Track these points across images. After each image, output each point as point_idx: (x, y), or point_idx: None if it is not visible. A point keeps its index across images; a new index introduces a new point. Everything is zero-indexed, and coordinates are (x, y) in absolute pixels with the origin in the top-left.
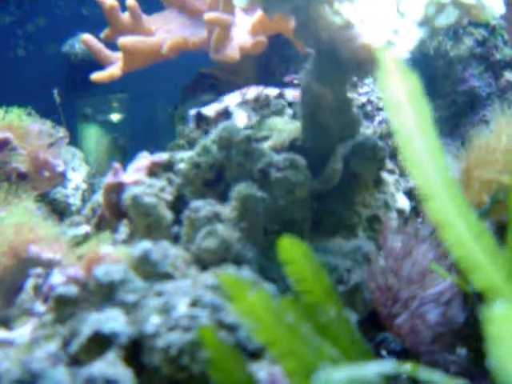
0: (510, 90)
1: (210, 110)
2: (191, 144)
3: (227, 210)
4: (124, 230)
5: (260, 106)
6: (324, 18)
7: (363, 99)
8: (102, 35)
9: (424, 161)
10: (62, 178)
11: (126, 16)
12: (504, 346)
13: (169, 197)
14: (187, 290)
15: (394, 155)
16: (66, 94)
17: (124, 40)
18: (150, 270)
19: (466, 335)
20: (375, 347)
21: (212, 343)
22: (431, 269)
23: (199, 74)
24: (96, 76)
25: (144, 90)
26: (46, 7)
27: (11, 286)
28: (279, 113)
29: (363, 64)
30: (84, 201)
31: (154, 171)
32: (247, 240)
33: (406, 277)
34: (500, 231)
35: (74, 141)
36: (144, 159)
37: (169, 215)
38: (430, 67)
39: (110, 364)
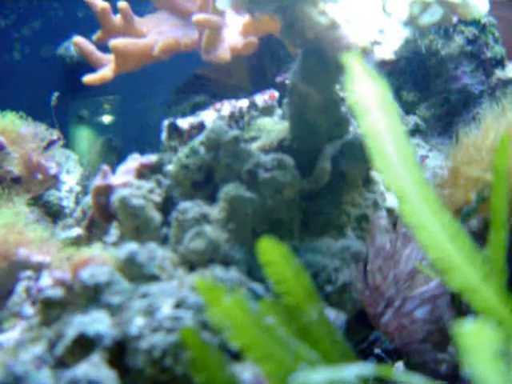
0: (500, 87)
1: (184, 123)
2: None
3: (215, 211)
4: (114, 232)
5: (235, 121)
6: (310, 17)
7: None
8: (94, 37)
9: (395, 164)
10: (55, 181)
11: (117, 18)
12: (476, 358)
13: (157, 198)
14: (172, 291)
15: None
16: (62, 96)
17: (115, 42)
18: (136, 272)
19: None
20: (368, 346)
21: (194, 344)
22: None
23: (193, 75)
24: (88, 78)
25: (138, 91)
26: (42, 10)
27: (1, 289)
28: (269, 113)
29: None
30: (78, 203)
31: (142, 173)
32: (235, 241)
33: (393, 276)
34: (487, 229)
35: (69, 143)
36: (133, 161)
37: (157, 217)
38: (423, 66)
39: (94, 366)
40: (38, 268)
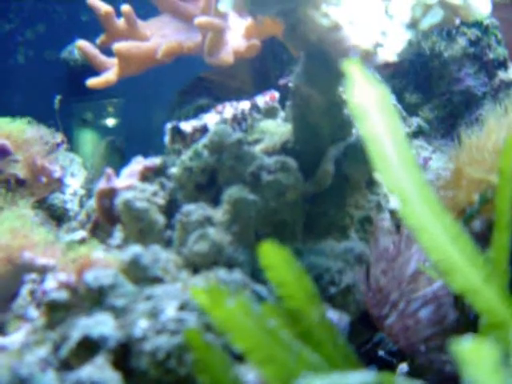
0: (503, 89)
1: (187, 126)
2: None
3: (219, 214)
4: (118, 235)
5: (238, 124)
6: (312, 20)
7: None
8: (97, 41)
9: (396, 167)
10: (59, 184)
11: (121, 22)
12: (475, 373)
13: (161, 201)
14: (176, 293)
15: None
16: (66, 99)
17: (119, 46)
18: (140, 275)
19: (459, 334)
20: (372, 348)
21: (198, 346)
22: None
23: (197, 78)
24: (92, 82)
25: (142, 94)
26: (45, 14)
27: (6, 292)
28: (272, 115)
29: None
30: (82, 206)
31: (146, 176)
32: (239, 243)
33: (397, 278)
34: (490, 230)
35: (73, 146)
36: (137, 164)
37: (161, 219)
38: (426, 68)
39: (99, 368)
40: (43, 271)
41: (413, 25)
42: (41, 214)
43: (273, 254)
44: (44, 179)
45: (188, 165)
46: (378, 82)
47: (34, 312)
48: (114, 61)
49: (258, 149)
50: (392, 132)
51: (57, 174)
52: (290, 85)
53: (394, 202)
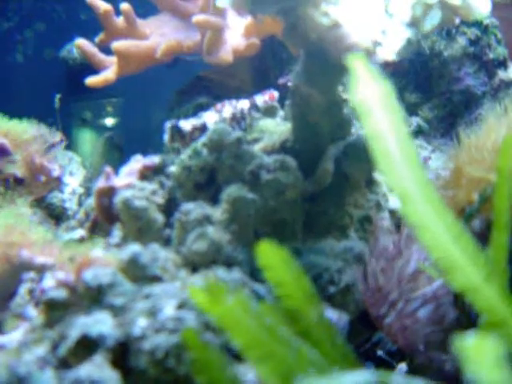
0: (503, 88)
1: (186, 124)
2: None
3: (218, 213)
4: (117, 233)
5: (237, 122)
6: (312, 19)
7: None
8: (96, 40)
9: (398, 165)
10: (57, 183)
11: (120, 20)
12: (479, 371)
13: (160, 200)
14: (175, 292)
15: None
16: (65, 98)
17: (118, 44)
18: (139, 273)
19: (458, 333)
20: (371, 347)
21: (195, 345)
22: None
23: (196, 77)
24: (90, 80)
25: (141, 93)
26: (44, 12)
27: (4, 291)
28: (271, 114)
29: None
30: (81, 205)
31: (145, 175)
32: (238, 242)
33: (396, 277)
34: (490, 229)
35: (72, 145)
36: (136, 163)
37: (160, 218)
38: (425, 67)
39: (97, 367)
40: (41, 270)
41: (413, 24)
42: (39, 212)
43: (271, 254)
44: (43, 178)
45: (187, 163)
46: (382, 78)
47: (32, 311)
48: (113, 59)
49: (257, 148)
50: (395, 129)
51: (55, 173)
52: (290, 84)
53: (393, 202)
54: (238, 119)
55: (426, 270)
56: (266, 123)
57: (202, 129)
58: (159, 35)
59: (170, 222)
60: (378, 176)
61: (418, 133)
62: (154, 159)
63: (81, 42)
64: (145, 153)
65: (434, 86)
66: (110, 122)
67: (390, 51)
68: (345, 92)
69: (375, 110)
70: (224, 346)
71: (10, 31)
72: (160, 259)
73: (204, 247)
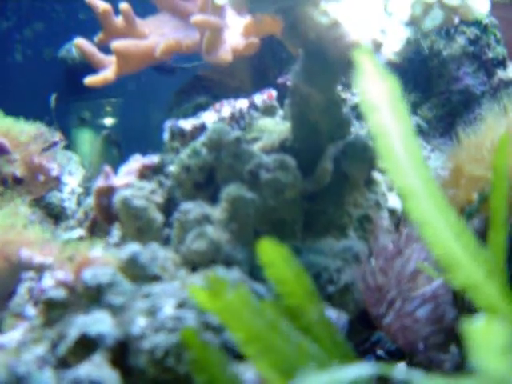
0: (502, 88)
1: (186, 124)
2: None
3: (217, 212)
4: (116, 233)
5: (236, 122)
6: (311, 18)
7: (357, 99)
8: (95, 39)
9: (403, 161)
10: (56, 182)
11: (119, 20)
12: (484, 355)
13: (159, 199)
14: (175, 291)
15: None
16: (64, 98)
17: (117, 44)
18: (138, 273)
19: (458, 333)
20: (371, 347)
21: (195, 345)
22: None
23: (195, 77)
24: (90, 80)
25: (140, 92)
26: (43, 12)
27: (3, 290)
28: (270, 114)
29: (351, 63)
30: (80, 205)
31: (144, 174)
32: (237, 241)
33: (396, 277)
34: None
35: (71, 145)
36: (135, 162)
37: (159, 217)
38: (425, 67)
39: (97, 366)
40: (40, 269)
41: (412, 23)
42: (38, 212)
43: (272, 252)
44: (41, 177)
45: (186, 163)
46: (387, 74)
47: (31, 310)
48: (112, 59)
49: (256, 147)
50: (400, 126)
51: (54, 172)
52: (289, 83)
53: (392, 201)
54: (236, 119)
55: (425, 269)
56: (266, 122)
57: (202, 128)
58: (158, 35)
59: (169, 222)
60: (377, 175)
61: (417, 132)
62: (153, 159)
63: (80, 41)
64: (144, 152)
65: (433, 86)
66: (109, 121)
67: (389, 51)
68: (343, 91)
69: (380, 106)
70: (223, 345)
71: (8, 31)
72: (159, 258)
73: (203, 246)
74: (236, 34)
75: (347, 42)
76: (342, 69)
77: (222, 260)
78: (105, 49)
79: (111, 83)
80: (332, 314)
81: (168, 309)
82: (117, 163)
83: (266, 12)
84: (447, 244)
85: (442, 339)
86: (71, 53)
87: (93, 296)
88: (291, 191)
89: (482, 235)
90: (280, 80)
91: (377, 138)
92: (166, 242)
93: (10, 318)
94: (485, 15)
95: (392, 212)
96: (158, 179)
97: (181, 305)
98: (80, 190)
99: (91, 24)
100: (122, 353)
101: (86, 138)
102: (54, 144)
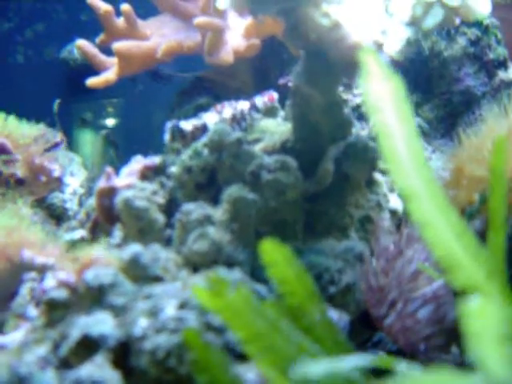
0: (503, 89)
1: (187, 125)
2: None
3: (219, 213)
4: (118, 234)
5: (237, 123)
6: (312, 19)
7: (358, 100)
8: (97, 40)
9: (405, 162)
10: (58, 183)
11: (120, 21)
12: (481, 340)
13: (161, 200)
14: (176, 292)
15: None
16: (66, 99)
17: (118, 45)
18: (140, 273)
19: (459, 333)
20: (372, 347)
21: (196, 346)
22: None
23: (196, 78)
24: (91, 81)
25: (141, 94)
26: (45, 13)
27: (5, 291)
28: (271, 115)
29: (352, 64)
30: (81, 205)
31: (146, 175)
32: (239, 242)
33: (397, 277)
34: None
35: (72, 146)
36: (136, 163)
37: (161, 218)
38: (426, 67)
39: (98, 367)
40: (42, 270)
41: (413, 23)
42: (40, 213)
43: (274, 252)
44: (43, 178)
45: (188, 164)
46: (392, 75)
47: (33, 311)
48: (114, 60)
49: (257, 148)
50: (404, 126)
51: (56, 173)
52: (290, 84)
53: (393, 202)
54: (238, 120)
55: (426, 270)
56: (267, 123)
57: (203, 129)
58: (160, 36)
59: (170, 223)
60: (378, 176)
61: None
62: (155, 159)
63: (81, 42)
64: (145, 153)
65: (434, 87)
66: (110, 122)
67: (390, 51)
68: (344, 92)
69: (384, 106)
70: (225, 345)
71: (10, 32)
72: (161, 259)
73: (205, 247)
74: (237, 35)
75: (348, 44)
76: (343, 70)
77: (223, 261)
78: (106, 50)
79: (113, 84)
80: (333, 314)
81: (170, 309)
82: (113, 163)
83: (267, 13)
84: (448, 245)
85: (443, 340)
86: (73, 54)
87: (95, 297)
88: (292, 192)
89: (483, 236)
90: (281, 81)
91: (380, 138)
92: (167, 242)
93: (12, 319)
94: (485, 16)
95: (393, 213)
96: (159, 180)
97: (182, 305)
98: (82, 190)
99: (92, 25)
100: (123, 353)
101: (88, 139)
102: (56, 145)
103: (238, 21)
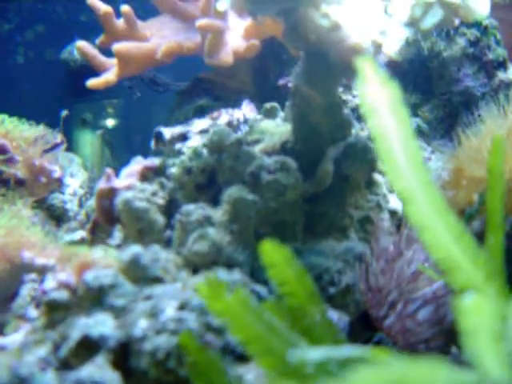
0: (502, 89)
1: (167, 132)
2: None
3: (218, 214)
4: (118, 235)
5: (233, 130)
6: (312, 20)
7: (358, 101)
8: (97, 42)
9: (402, 165)
10: (58, 184)
11: (120, 22)
12: (476, 336)
13: (161, 201)
14: (176, 293)
15: None
16: (66, 100)
17: (118, 46)
18: (139, 274)
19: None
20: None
21: (193, 349)
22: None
23: (196, 79)
24: (91, 82)
25: (141, 94)
26: (45, 14)
27: (5, 292)
28: (271, 116)
29: (352, 65)
30: (81, 206)
31: (146, 176)
32: (238, 243)
33: (396, 278)
34: None
35: (72, 147)
36: (136, 164)
37: (161, 219)
38: (425, 68)
39: (99, 368)
40: (42, 271)
41: (412, 24)
42: (40, 213)
43: (274, 252)
44: (43, 179)
45: (188, 165)
46: (388, 79)
47: (33, 312)
48: (114, 61)
49: (257, 149)
50: (400, 130)
51: (56, 174)
52: (290, 85)
53: (393, 203)
54: (233, 127)
55: (425, 271)
56: (267, 124)
57: (182, 138)
58: (160, 37)
59: (170, 223)
60: (377, 177)
61: (417, 134)
62: (155, 160)
63: (81, 43)
64: (145, 154)
65: (434, 87)
66: (110, 123)
67: (389, 51)
68: (344, 93)
69: (381, 110)
70: (225, 346)
71: (10, 33)
72: (161, 260)
73: (205, 248)
74: (237, 36)
75: (348, 44)
76: (342, 71)
77: (223, 262)
78: (106, 51)
79: (113, 85)
80: (333, 315)
81: (169, 310)
82: (110, 163)
83: (266, 14)
84: (447, 247)
85: (443, 341)
86: (73, 55)
87: (95, 298)
88: (292, 193)
89: (482, 237)
90: (281, 82)
91: (377, 141)
92: (167, 243)
93: (12, 320)
94: (485, 16)
95: (393, 213)
96: (159, 181)
97: (182, 306)
98: (81, 191)
99: (92, 26)
100: (123, 354)
101: (88, 140)
102: (56, 146)
103: (237, 22)
